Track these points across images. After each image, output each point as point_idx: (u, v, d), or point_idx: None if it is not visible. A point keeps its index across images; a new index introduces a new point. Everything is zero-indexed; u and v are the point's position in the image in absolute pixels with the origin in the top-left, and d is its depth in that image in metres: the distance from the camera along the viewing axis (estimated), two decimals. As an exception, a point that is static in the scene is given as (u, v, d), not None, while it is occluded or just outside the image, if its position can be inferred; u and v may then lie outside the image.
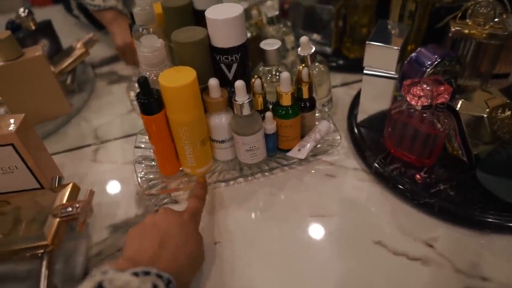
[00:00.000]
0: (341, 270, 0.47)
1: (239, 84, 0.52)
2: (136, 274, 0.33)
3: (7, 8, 0.95)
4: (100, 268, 0.34)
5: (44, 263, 0.44)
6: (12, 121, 0.50)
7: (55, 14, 0.90)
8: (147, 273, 0.34)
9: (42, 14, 0.88)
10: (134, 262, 0.38)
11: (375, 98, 0.63)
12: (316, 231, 0.52)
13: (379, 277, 0.46)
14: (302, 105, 0.59)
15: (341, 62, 0.84)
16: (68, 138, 0.71)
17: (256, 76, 0.55)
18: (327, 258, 0.49)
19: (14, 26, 0.79)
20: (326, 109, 0.69)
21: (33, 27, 0.78)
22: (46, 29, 0.81)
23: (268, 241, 0.51)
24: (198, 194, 0.52)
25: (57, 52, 0.82)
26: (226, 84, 0.56)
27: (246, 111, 0.53)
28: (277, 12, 0.74)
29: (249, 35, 0.71)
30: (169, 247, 0.41)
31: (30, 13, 0.77)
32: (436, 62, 0.58)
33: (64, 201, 0.46)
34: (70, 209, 0.44)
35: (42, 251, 0.43)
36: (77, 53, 0.75)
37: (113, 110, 0.77)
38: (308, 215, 0.54)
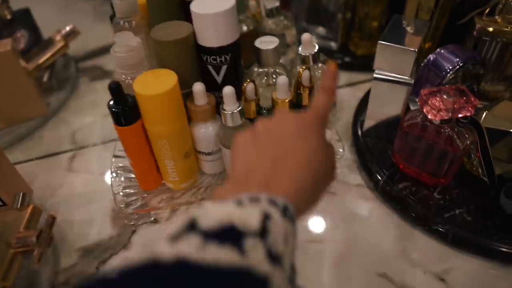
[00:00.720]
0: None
1: (228, 91, 0.45)
2: (240, 203, 0.24)
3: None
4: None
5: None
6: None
7: (34, 2, 0.82)
8: (255, 200, 0.25)
9: (19, 1, 0.80)
10: (243, 186, 0.29)
11: (385, 105, 0.55)
12: (312, 260, 0.46)
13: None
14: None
15: (347, 59, 0.76)
16: (43, 143, 0.65)
17: (248, 80, 0.48)
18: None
19: (-12, 15, 0.72)
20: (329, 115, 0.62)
21: (9, 16, 0.71)
22: (24, 19, 0.74)
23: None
24: (326, 87, 0.37)
25: (36, 44, 0.75)
26: (214, 89, 0.49)
27: (236, 121, 0.46)
28: (277, 3, 0.66)
29: (245, 28, 0.63)
30: (287, 164, 0.30)
31: (4, 0, 0.70)
32: (457, 67, 0.50)
33: (22, 228, 0.40)
34: (27, 239, 0.38)
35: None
36: (54, 47, 0.68)
37: (96, 110, 0.70)
38: (303, 240, 0.48)
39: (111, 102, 0.43)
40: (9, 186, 0.48)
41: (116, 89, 0.42)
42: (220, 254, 0.20)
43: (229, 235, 0.22)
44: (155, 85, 0.42)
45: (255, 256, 0.22)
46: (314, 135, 0.32)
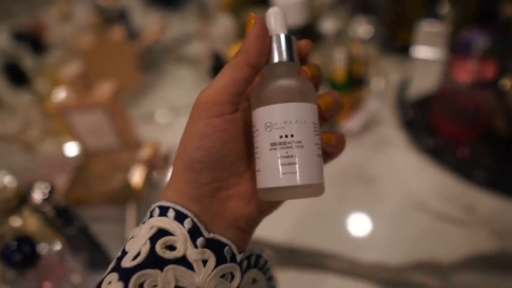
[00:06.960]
0: (386, 232, 0.53)
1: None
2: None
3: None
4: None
5: (134, 207, 0.53)
6: (106, 88, 0.59)
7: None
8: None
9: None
10: None
11: (424, 79, 0.67)
12: (361, 196, 0.58)
13: (419, 238, 0.52)
14: (354, 84, 0.65)
15: (392, 46, 0.87)
16: (141, 106, 0.82)
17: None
18: (371, 220, 0.55)
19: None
20: (377, 89, 0.74)
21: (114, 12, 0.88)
22: (122, 16, 0.91)
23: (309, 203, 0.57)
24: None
25: (131, 35, 0.92)
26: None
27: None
28: None
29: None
30: None
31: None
32: (484, 43, 0.61)
33: (149, 156, 0.55)
34: (155, 160, 0.53)
35: (132, 196, 0.52)
36: (151, 36, 0.85)
37: (180, 84, 0.87)
38: (354, 180, 0.60)
39: (212, 67, 0.58)
40: (129, 134, 0.64)
41: (217, 56, 0.57)
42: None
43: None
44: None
45: None
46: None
